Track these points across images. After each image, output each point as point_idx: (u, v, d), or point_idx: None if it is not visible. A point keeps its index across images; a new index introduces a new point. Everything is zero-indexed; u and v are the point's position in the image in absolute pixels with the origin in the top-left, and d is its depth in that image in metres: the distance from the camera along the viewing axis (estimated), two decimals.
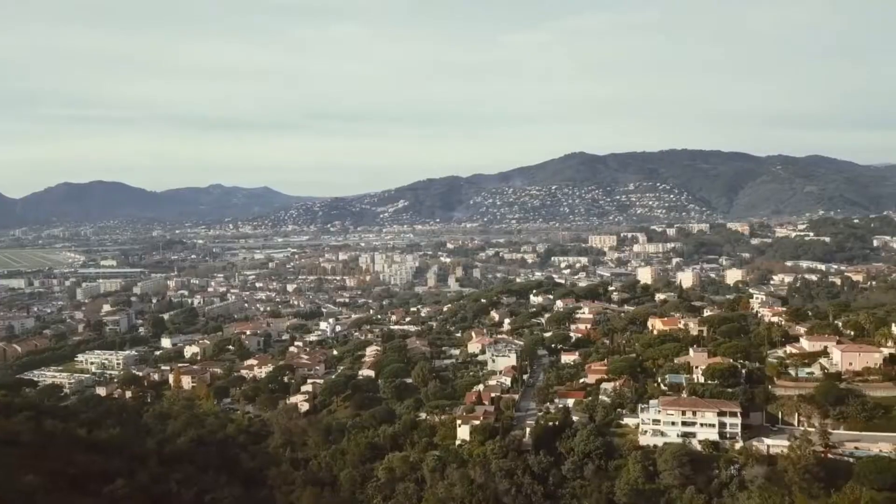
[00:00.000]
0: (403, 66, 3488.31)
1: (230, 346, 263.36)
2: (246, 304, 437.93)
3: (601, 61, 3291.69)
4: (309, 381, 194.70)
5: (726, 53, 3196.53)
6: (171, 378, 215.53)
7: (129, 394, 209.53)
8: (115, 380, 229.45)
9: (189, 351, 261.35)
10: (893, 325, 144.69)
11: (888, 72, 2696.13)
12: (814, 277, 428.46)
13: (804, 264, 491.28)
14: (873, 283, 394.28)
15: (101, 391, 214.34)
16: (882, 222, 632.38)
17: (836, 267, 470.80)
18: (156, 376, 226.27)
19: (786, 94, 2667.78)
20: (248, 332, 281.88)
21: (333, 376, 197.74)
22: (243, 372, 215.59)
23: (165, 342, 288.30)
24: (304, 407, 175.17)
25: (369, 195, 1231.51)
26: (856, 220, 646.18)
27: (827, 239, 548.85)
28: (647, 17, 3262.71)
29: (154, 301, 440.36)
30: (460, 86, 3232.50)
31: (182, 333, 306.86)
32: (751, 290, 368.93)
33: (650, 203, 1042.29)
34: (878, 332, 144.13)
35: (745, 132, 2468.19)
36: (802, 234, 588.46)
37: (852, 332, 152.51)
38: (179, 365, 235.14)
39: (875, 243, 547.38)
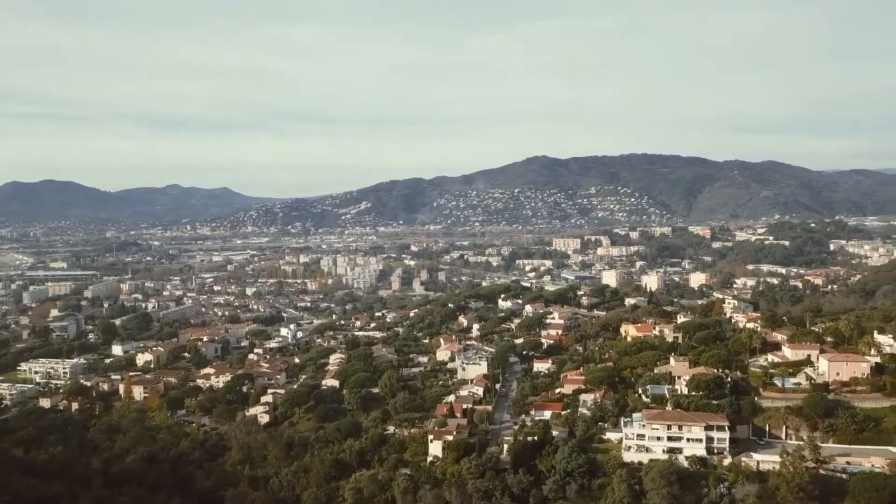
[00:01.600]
0: (367, 67, 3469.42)
1: (186, 354, 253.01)
2: (203, 309, 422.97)
3: (563, 65, 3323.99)
4: (269, 391, 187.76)
5: (684, 60, 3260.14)
6: (121, 388, 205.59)
7: (75, 405, 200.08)
8: (61, 390, 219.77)
9: (142, 359, 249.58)
10: (876, 332, 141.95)
11: (839, 81, 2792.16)
12: (775, 281, 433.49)
13: (765, 268, 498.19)
14: (834, 286, 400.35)
15: (46, 403, 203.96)
16: (836, 227, 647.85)
17: (795, 270, 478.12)
18: (105, 386, 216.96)
19: (742, 101, 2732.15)
20: (204, 339, 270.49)
21: (295, 386, 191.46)
22: (199, 381, 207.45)
23: (116, 349, 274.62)
24: (265, 419, 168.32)
25: (331, 196, 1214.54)
26: (812, 225, 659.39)
27: (786, 243, 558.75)
28: (607, 22, 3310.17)
29: (106, 305, 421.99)
30: (424, 88, 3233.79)
31: (135, 340, 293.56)
32: (716, 294, 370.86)
33: (611, 206, 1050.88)
34: (861, 339, 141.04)
35: (702, 137, 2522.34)
36: (762, 237, 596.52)
37: (831, 339, 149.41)
38: (131, 374, 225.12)
39: (832, 247, 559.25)
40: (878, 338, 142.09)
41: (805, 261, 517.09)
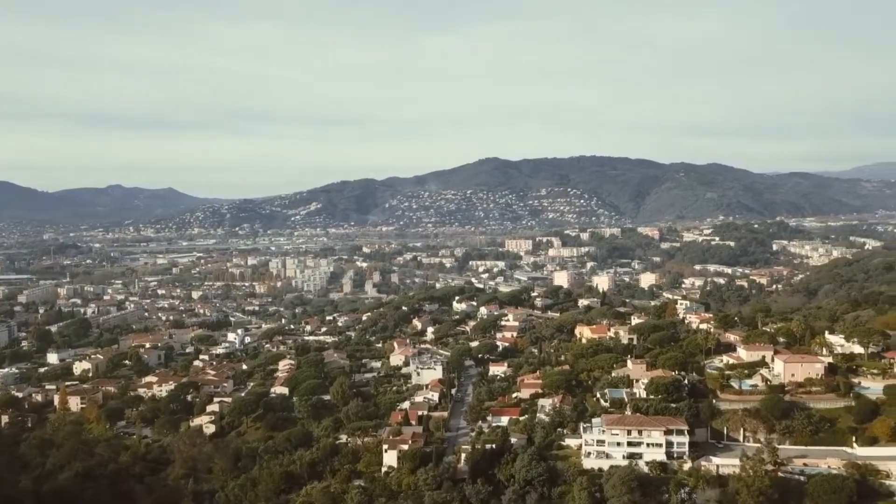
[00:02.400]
0: (318, 67, 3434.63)
1: (127, 361, 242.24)
2: (146, 314, 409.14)
3: (514, 67, 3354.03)
4: (215, 399, 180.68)
5: (632, 64, 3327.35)
6: (56, 399, 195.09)
7: (5, 419, 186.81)
8: None
9: (79, 367, 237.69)
10: (826, 332, 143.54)
11: (779, 86, 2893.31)
12: (722, 280, 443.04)
13: (712, 268, 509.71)
14: (778, 286, 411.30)
15: None
16: (778, 227, 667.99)
17: (741, 270, 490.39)
18: (39, 397, 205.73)
19: (687, 105, 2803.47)
20: (147, 345, 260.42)
21: (243, 394, 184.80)
22: (141, 390, 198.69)
23: (52, 357, 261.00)
24: (210, 429, 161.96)
25: (280, 197, 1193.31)
26: (755, 225, 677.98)
27: (731, 243, 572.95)
28: (558, 25, 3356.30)
29: (41, 311, 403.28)
30: (375, 88, 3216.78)
31: (72, 347, 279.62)
32: (666, 294, 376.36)
33: (562, 208, 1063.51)
34: (813, 340, 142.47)
35: (650, 140, 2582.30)
36: (708, 238, 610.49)
37: (783, 340, 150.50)
38: (67, 383, 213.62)
39: (774, 247, 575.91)
40: (829, 338, 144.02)
41: (750, 261, 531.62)
